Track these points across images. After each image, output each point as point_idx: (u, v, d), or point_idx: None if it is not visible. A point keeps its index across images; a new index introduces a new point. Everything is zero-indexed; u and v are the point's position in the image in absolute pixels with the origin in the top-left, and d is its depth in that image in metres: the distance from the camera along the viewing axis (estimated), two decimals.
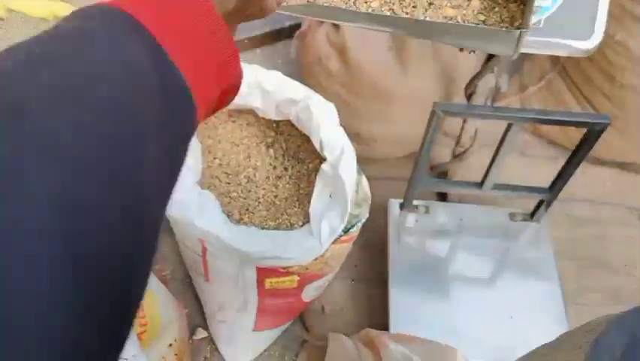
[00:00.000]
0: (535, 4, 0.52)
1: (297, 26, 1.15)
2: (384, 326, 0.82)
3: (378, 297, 0.85)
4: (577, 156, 0.69)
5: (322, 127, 0.68)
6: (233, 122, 0.81)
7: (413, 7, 0.48)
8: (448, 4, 0.48)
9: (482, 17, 0.48)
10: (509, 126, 0.65)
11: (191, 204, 0.63)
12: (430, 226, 0.84)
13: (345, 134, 0.69)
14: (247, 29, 1.13)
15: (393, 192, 0.96)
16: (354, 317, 0.84)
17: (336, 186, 0.68)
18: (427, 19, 0.47)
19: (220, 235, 0.62)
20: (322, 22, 0.87)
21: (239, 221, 0.69)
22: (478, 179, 0.74)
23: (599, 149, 1.02)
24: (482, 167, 0.72)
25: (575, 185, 1.01)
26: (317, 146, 0.70)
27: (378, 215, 0.86)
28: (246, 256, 0.64)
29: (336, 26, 0.85)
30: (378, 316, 0.84)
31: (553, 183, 0.76)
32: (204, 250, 0.68)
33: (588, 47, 0.53)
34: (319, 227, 0.68)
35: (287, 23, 1.13)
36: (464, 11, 0.48)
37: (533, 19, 0.55)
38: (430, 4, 0.48)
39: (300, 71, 1.07)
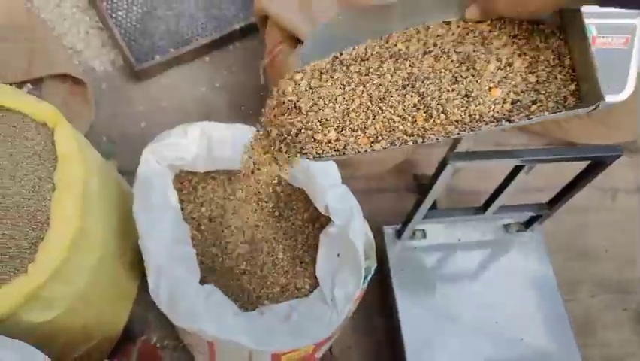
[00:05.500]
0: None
1: (249, 29, 1.03)
2: (394, 358, 0.81)
3: (382, 328, 0.83)
4: (582, 181, 0.67)
5: (327, 189, 0.61)
6: (213, 178, 0.72)
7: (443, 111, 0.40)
8: (492, 84, 0.40)
9: (533, 78, 0.41)
10: (522, 166, 0.62)
11: (199, 311, 0.55)
12: (429, 250, 0.81)
13: (352, 194, 0.63)
14: (194, 37, 0.99)
15: (378, 205, 0.92)
16: (362, 354, 0.82)
17: (347, 250, 0.63)
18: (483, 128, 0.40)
19: (233, 338, 0.55)
20: (296, 44, 0.76)
21: (247, 307, 0.63)
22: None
23: (574, 134, 1.03)
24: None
25: (548, 172, 1.02)
26: (321, 209, 0.63)
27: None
28: (261, 352, 0.58)
29: None
30: (385, 348, 0.82)
31: (553, 200, 0.75)
32: (212, 345, 0.62)
33: (621, 99, 0.50)
34: (333, 294, 0.63)
35: (237, 26, 1.01)
36: (512, 82, 0.40)
37: None
38: (467, 96, 0.41)
39: (258, 77, 0.97)
